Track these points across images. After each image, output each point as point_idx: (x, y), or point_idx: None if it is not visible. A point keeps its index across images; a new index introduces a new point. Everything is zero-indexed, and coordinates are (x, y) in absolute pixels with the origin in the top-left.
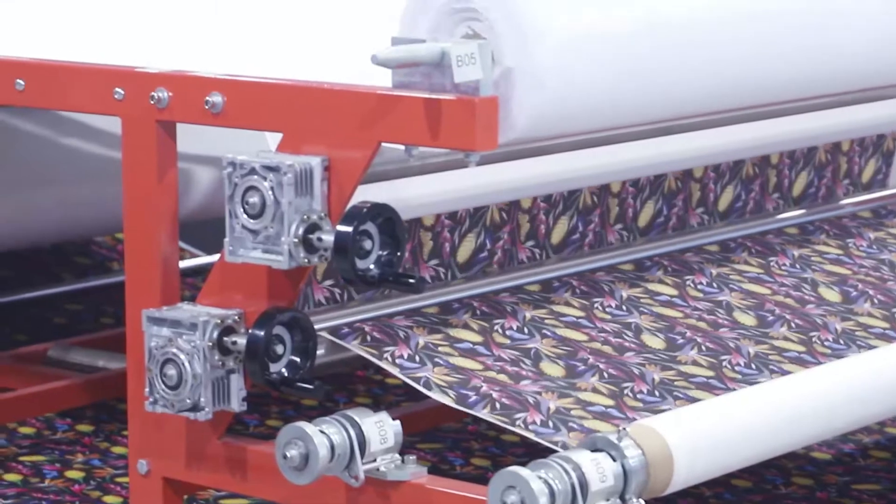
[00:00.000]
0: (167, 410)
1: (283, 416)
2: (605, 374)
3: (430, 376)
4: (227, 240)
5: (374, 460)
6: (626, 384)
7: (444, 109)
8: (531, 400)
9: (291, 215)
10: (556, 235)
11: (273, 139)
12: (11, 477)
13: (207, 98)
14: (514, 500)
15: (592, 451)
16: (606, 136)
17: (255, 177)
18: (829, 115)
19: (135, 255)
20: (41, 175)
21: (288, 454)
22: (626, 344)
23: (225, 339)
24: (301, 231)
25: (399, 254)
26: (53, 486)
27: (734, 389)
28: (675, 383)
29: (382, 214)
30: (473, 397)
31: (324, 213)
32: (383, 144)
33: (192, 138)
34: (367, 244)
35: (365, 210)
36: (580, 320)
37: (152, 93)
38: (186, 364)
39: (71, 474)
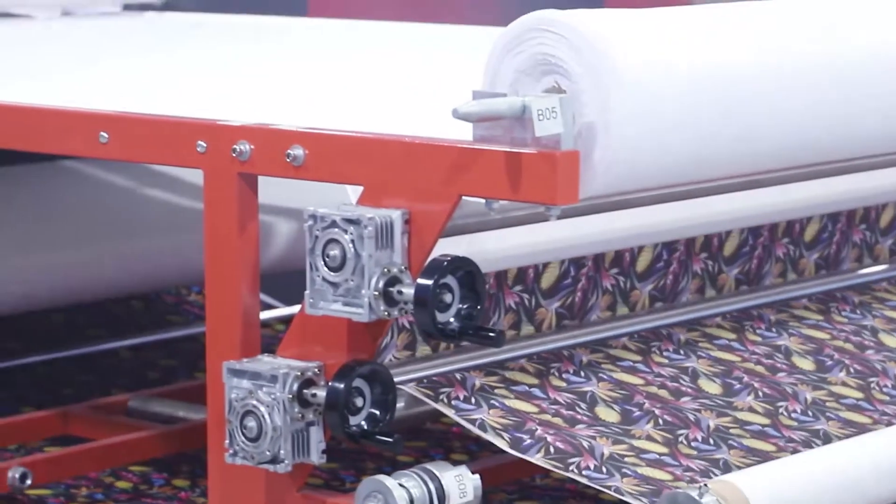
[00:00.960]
0: (247, 462)
1: (380, 473)
2: (661, 421)
3: (485, 418)
4: (307, 292)
5: None
6: (680, 431)
7: (525, 163)
8: (585, 444)
9: (372, 268)
10: (641, 263)
11: (354, 192)
12: None
13: (289, 151)
14: None
15: None
16: (687, 190)
17: (336, 230)
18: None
19: (216, 307)
20: (124, 226)
21: None
22: (683, 388)
23: (305, 391)
24: (381, 284)
25: (479, 307)
26: None
27: (789, 437)
28: (731, 430)
29: (463, 267)
30: (528, 441)
31: (404, 266)
32: (464, 198)
33: (272, 190)
34: (448, 297)
35: (445, 263)
36: (637, 364)
37: (234, 145)
38: (266, 416)
39: None
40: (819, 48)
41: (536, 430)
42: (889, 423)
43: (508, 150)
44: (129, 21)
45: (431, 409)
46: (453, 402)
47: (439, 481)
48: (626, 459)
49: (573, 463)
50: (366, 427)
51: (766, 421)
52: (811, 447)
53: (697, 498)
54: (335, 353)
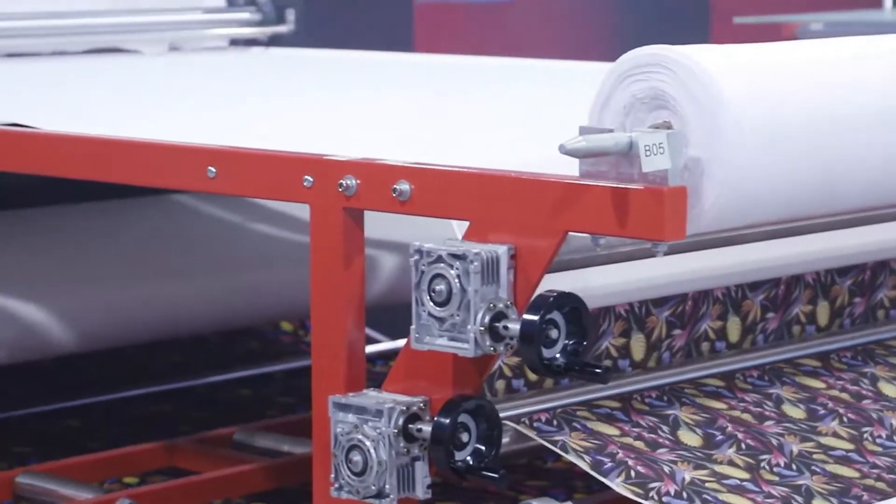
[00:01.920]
0: (352, 497)
1: None
2: (743, 445)
3: (566, 440)
4: (413, 327)
5: None
6: (763, 456)
7: (632, 199)
8: (667, 469)
9: (478, 303)
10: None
11: (459, 227)
12: None
13: (395, 186)
14: None
15: None
16: (796, 226)
17: (442, 265)
18: None
19: (321, 341)
20: (230, 260)
21: None
22: (766, 413)
23: (410, 426)
24: (487, 319)
25: (585, 343)
26: None
27: (872, 463)
28: (814, 456)
29: (569, 303)
30: (609, 464)
31: (510, 302)
32: (570, 233)
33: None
34: (554, 333)
35: (551, 299)
36: (720, 390)
37: (341, 180)
38: (372, 451)
39: None
40: None
41: (618, 453)
42: None
43: (615, 185)
44: (236, 56)
45: (537, 445)
46: (535, 424)
47: None
48: (707, 485)
49: (653, 488)
50: (471, 462)
51: (850, 446)
52: None
53: None
54: (440, 388)
